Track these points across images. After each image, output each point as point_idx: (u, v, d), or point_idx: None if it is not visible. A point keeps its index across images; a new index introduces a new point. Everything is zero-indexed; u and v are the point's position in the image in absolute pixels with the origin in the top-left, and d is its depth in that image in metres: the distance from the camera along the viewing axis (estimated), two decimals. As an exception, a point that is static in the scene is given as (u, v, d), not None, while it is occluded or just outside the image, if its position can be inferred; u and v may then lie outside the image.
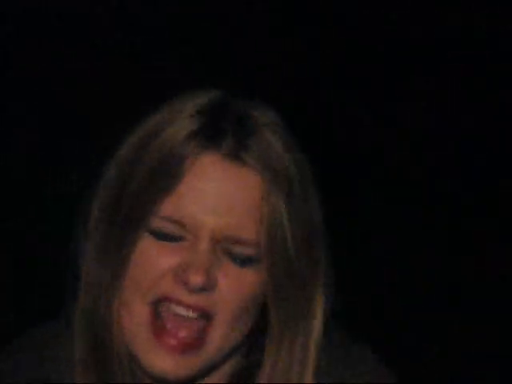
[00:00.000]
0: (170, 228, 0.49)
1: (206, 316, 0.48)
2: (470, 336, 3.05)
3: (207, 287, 0.47)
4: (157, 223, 0.49)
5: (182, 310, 0.48)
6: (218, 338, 0.49)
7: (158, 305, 0.49)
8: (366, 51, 3.15)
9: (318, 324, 0.51)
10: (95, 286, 0.50)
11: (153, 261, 0.49)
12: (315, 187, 0.52)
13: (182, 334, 0.48)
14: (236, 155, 0.48)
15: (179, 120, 0.49)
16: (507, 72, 3.18)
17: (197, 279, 0.47)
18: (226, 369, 0.53)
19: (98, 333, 0.51)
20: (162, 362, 0.48)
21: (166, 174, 0.48)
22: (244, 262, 0.49)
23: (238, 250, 0.49)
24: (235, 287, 0.49)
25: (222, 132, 0.49)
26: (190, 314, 0.48)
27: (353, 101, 3.20)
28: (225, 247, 0.49)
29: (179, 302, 0.48)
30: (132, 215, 0.49)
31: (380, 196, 3.14)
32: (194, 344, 0.48)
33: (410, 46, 3.14)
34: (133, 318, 0.49)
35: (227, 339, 0.50)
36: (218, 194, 0.48)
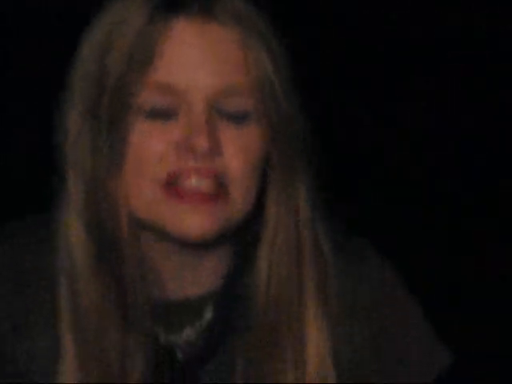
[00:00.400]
0: (161, 100, 0.48)
1: (220, 183, 0.48)
2: (470, 336, 3.05)
3: (214, 149, 0.47)
4: (144, 98, 0.48)
5: (194, 181, 0.47)
6: (237, 193, 0.48)
7: (168, 186, 0.48)
8: (365, 51, 3.15)
9: (306, 200, 0.51)
10: (89, 184, 0.49)
11: (152, 143, 0.48)
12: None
13: (203, 190, 0.48)
14: (207, 13, 0.48)
15: (134, 3, 0.48)
16: (508, 72, 3.19)
17: (203, 142, 0.46)
18: (226, 250, 0.52)
19: (101, 234, 0.49)
20: (188, 218, 0.47)
21: (144, 51, 0.47)
22: (242, 118, 0.49)
23: (233, 104, 0.49)
24: (240, 146, 0.48)
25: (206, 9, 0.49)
26: (204, 182, 0.47)
27: (352, 101, 3.21)
28: (220, 107, 0.48)
29: (190, 172, 0.47)
30: (118, 100, 0.48)
31: (380, 196, 3.14)
32: (217, 196, 0.48)
33: (411, 46, 3.14)
34: (145, 197, 0.48)
35: (243, 200, 0.49)
36: (199, 53, 0.48)
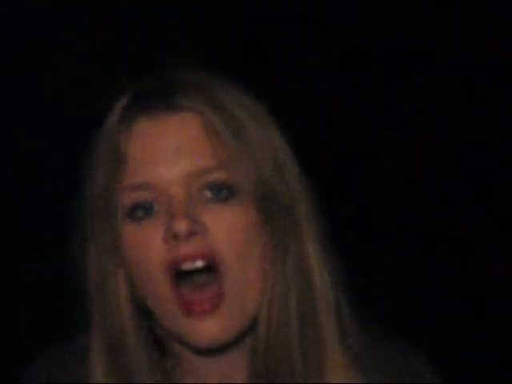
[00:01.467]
0: (137, 197, 0.49)
1: (212, 263, 0.48)
2: (470, 335, 3.06)
3: (196, 230, 0.47)
4: (126, 199, 0.49)
5: (190, 265, 0.47)
6: (234, 271, 0.48)
7: (174, 277, 0.48)
8: (364, 53, 3.16)
9: (310, 247, 0.51)
10: (102, 291, 0.51)
11: (141, 248, 0.49)
12: (270, 121, 0.52)
13: (206, 294, 0.47)
14: (166, 106, 0.49)
15: (110, 117, 0.51)
16: (507, 74, 3.19)
17: (180, 225, 0.46)
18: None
19: (114, 337, 0.51)
20: (204, 327, 0.47)
21: (114, 157, 0.49)
22: (221, 193, 0.48)
23: (206, 180, 0.48)
24: (223, 223, 0.48)
25: (146, 99, 0.50)
26: (197, 264, 0.47)
27: (352, 103, 3.21)
28: (197, 189, 0.48)
29: (182, 258, 0.47)
30: (106, 206, 0.49)
31: (377, 194, 3.15)
32: (221, 296, 0.47)
33: (409, 48, 3.15)
34: (162, 303, 0.49)
35: (244, 280, 0.48)
36: (163, 145, 0.49)
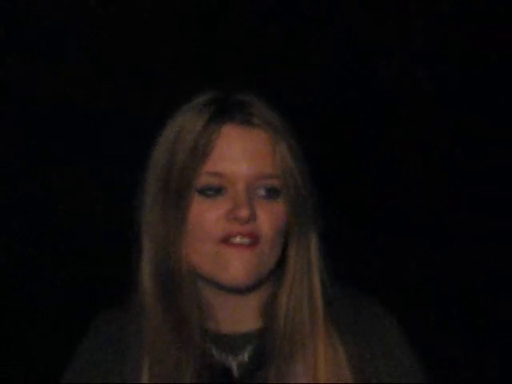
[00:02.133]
0: (212, 181, 0.68)
1: (255, 240, 0.67)
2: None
3: (252, 217, 0.67)
4: (202, 181, 0.68)
5: (239, 239, 0.67)
6: (266, 248, 0.68)
7: (220, 242, 0.67)
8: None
9: (315, 255, 0.73)
10: (160, 243, 0.69)
11: (206, 216, 0.68)
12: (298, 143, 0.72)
13: (245, 244, 0.68)
14: (247, 121, 0.69)
15: (198, 117, 0.69)
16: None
17: (244, 212, 0.66)
18: (261, 293, 0.72)
19: (167, 281, 0.69)
20: (234, 265, 0.67)
21: (203, 148, 0.67)
22: (271, 194, 0.69)
23: (265, 183, 0.69)
24: (269, 215, 0.68)
25: (230, 111, 0.69)
26: (245, 240, 0.67)
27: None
28: (255, 187, 0.68)
29: (235, 233, 0.66)
30: (183, 182, 0.68)
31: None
32: (254, 246, 0.67)
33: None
34: (203, 252, 0.68)
35: (270, 253, 0.69)
36: (241, 149, 0.68)
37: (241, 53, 3.17)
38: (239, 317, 0.73)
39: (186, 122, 0.70)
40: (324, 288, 0.73)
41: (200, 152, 0.68)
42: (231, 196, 0.69)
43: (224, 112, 0.70)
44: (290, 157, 0.71)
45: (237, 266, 0.67)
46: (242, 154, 0.69)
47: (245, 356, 0.72)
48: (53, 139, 2.68)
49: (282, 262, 0.73)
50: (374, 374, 0.73)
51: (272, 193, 0.70)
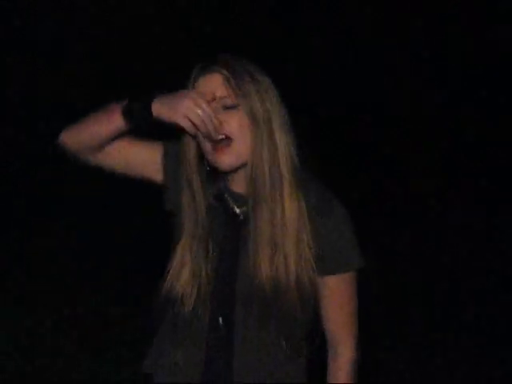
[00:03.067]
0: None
1: (228, 138, 0.99)
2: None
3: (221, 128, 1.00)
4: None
5: (219, 137, 0.99)
6: (234, 144, 0.99)
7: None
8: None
9: (278, 133, 1.01)
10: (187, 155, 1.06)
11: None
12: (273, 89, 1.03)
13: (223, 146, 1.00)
14: (214, 69, 1.01)
15: (194, 71, 1.02)
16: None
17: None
18: (245, 173, 1.03)
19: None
20: (222, 160, 0.99)
21: (192, 86, 1.02)
22: (226, 108, 1.00)
23: (221, 100, 0.99)
24: (227, 119, 0.99)
25: (207, 65, 1.02)
26: (220, 136, 0.99)
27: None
28: (221, 103, 1.00)
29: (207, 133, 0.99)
30: None
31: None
32: (227, 145, 0.99)
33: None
34: (206, 154, 1.00)
35: (238, 147, 0.99)
36: (209, 84, 1.01)
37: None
38: (239, 182, 1.07)
39: (191, 76, 1.06)
40: (293, 168, 1.02)
41: (191, 87, 1.04)
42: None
43: (203, 68, 1.04)
44: (242, 85, 1.01)
45: (222, 160, 1.02)
46: (211, 87, 1.02)
47: (243, 209, 1.06)
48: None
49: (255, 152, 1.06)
50: (322, 246, 1.01)
51: (225, 107, 1.01)
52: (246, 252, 1.02)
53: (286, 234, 1.00)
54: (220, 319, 1.03)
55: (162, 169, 1.10)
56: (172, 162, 1.08)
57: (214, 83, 1.01)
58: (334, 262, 1.01)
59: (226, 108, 0.99)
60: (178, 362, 1.06)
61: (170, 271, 1.05)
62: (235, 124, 0.99)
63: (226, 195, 1.06)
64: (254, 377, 1.02)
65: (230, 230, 1.06)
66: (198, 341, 1.04)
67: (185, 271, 1.04)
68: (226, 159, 0.99)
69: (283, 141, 1.01)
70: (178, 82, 1.04)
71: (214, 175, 1.04)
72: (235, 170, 1.02)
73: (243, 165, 1.01)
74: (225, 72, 1.00)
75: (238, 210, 1.05)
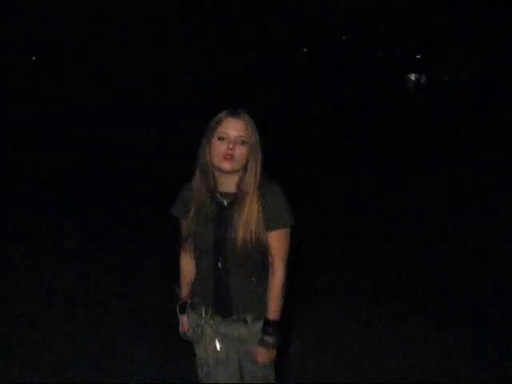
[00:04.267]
0: (222, 136, 1.77)
1: (232, 157, 1.75)
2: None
3: (233, 150, 1.76)
4: (218, 134, 1.77)
5: (228, 156, 1.75)
6: (238, 161, 1.76)
7: (221, 157, 1.77)
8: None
9: (258, 169, 1.78)
10: (202, 157, 1.81)
11: (220, 147, 1.76)
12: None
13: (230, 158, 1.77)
14: (236, 116, 1.79)
15: (220, 115, 1.81)
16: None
17: (231, 149, 1.76)
18: (236, 179, 1.79)
19: (203, 170, 1.81)
20: (226, 165, 1.76)
21: (217, 124, 1.79)
22: (242, 142, 1.76)
23: (241, 138, 1.77)
24: (239, 150, 1.76)
25: (232, 113, 1.80)
26: (229, 157, 1.75)
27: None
28: (236, 140, 1.76)
29: (227, 154, 1.76)
30: (212, 135, 1.79)
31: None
32: (233, 160, 1.75)
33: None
34: (215, 159, 1.78)
35: (240, 163, 1.76)
36: (234, 126, 1.77)
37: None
38: (227, 185, 1.81)
39: (216, 117, 1.81)
40: (261, 177, 1.78)
41: (217, 125, 1.78)
42: (227, 141, 1.77)
43: (230, 114, 1.80)
44: (251, 130, 1.78)
45: (226, 164, 1.75)
46: (232, 128, 1.78)
47: (230, 200, 1.81)
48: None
49: (246, 167, 1.79)
50: (268, 215, 1.77)
51: (242, 142, 1.77)
52: (230, 224, 1.78)
53: (251, 214, 1.76)
54: (219, 263, 1.81)
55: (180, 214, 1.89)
56: (182, 204, 1.87)
57: (239, 126, 1.77)
58: (274, 223, 1.78)
59: (242, 142, 1.77)
60: (197, 290, 1.90)
61: (188, 225, 1.83)
62: (241, 152, 1.77)
63: (216, 193, 1.82)
64: (241, 295, 1.82)
65: (219, 213, 1.81)
66: (207, 276, 1.84)
67: (194, 230, 1.82)
68: (228, 166, 1.75)
69: (259, 160, 1.79)
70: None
71: (212, 180, 1.81)
72: (231, 173, 1.78)
73: (234, 173, 1.78)
74: (244, 121, 1.78)
75: (224, 202, 1.82)
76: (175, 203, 1.88)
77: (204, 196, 1.80)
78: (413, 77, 25.33)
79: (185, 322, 1.92)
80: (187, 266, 1.94)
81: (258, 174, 1.76)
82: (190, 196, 1.82)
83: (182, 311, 1.92)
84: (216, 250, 1.80)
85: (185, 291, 1.94)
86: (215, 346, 1.88)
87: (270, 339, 1.79)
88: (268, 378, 1.91)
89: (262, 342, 1.79)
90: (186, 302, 1.93)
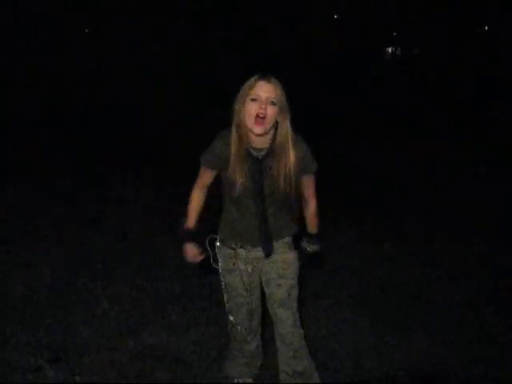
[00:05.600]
0: (254, 97, 2.03)
1: (264, 117, 2.02)
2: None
3: (265, 110, 2.03)
4: (252, 95, 2.03)
5: (259, 116, 2.03)
6: (269, 121, 2.04)
7: (255, 116, 2.04)
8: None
9: (288, 125, 2.08)
10: (237, 118, 2.06)
11: (252, 107, 2.03)
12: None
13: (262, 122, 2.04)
14: (267, 80, 2.04)
15: (252, 78, 2.06)
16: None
17: (263, 110, 2.03)
18: (268, 136, 2.10)
19: (238, 130, 2.08)
20: (258, 128, 2.05)
21: (252, 87, 2.05)
22: (273, 103, 2.03)
23: (271, 99, 2.03)
24: (271, 110, 2.03)
25: (263, 76, 2.05)
26: (261, 116, 2.02)
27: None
28: (267, 101, 2.03)
29: (259, 114, 2.02)
30: (246, 96, 2.04)
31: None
32: (264, 118, 2.03)
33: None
34: (248, 120, 2.05)
35: (270, 122, 2.05)
36: (265, 89, 2.03)
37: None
38: (261, 142, 2.10)
39: (248, 81, 2.05)
40: (291, 131, 2.08)
41: (252, 88, 2.03)
42: (260, 102, 2.02)
43: (261, 78, 2.03)
44: (280, 92, 2.03)
45: (258, 128, 2.02)
46: (264, 90, 2.02)
47: (263, 153, 2.12)
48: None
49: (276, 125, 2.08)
50: (301, 165, 2.12)
51: (272, 103, 2.01)
52: (266, 175, 2.10)
53: (289, 164, 2.07)
54: (260, 207, 2.16)
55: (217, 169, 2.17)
56: (218, 159, 2.11)
57: (269, 88, 2.01)
58: (305, 170, 2.14)
59: (273, 103, 2.02)
60: (238, 230, 2.22)
61: (229, 177, 2.11)
62: (272, 112, 2.02)
63: (250, 149, 2.09)
64: (277, 230, 2.24)
65: (256, 165, 2.11)
66: (250, 218, 2.20)
67: (238, 181, 2.10)
68: (259, 130, 2.01)
69: (289, 118, 2.06)
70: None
71: (246, 138, 2.06)
72: (263, 134, 2.04)
73: (266, 133, 2.04)
74: (274, 84, 2.03)
75: (259, 156, 2.10)
76: (207, 155, 2.14)
77: (241, 151, 2.06)
78: (390, 50, 26.83)
79: (191, 249, 2.23)
80: (200, 201, 2.24)
81: (289, 130, 2.06)
82: (227, 151, 2.07)
83: (190, 239, 2.22)
84: (257, 197, 2.14)
85: (192, 221, 2.23)
86: (249, 274, 2.27)
87: (316, 247, 2.34)
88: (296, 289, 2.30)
89: (308, 249, 2.33)
90: (190, 230, 2.23)
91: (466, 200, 5.65)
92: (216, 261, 2.30)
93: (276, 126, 2.07)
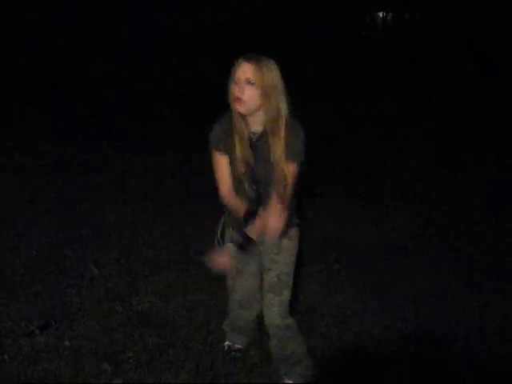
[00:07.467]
0: (235, 79, 1.97)
1: (241, 100, 1.97)
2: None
3: (242, 93, 1.96)
4: (233, 77, 1.98)
5: (238, 98, 1.98)
6: (248, 102, 1.97)
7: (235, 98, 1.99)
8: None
9: (281, 108, 2.00)
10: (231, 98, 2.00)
11: (233, 90, 1.99)
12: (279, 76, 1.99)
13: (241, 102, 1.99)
14: (250, 61, 1.95)
15: (239, 60, 1.98)
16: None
17: (241, 92, 1.97)
18: (260, 118, 2.04)
19: (233, 118, 2.04)
20: (239, 108, 1.99)
21: (235, 69, 1.98)
22: (250, 84, 1.94)
23: (248, 80, 1.95)
24: (248, 91, 1.96)
25: (247, 57, 1.97)
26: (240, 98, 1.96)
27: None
28: (246, 81, 1.95)
29: (238, 96, 1.98)
30: (231, 78, 1.99)
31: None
32: (241, 102, 1.97)
33: None
34: (233, 105, 2.01)
35: (251, 104, 1.98)
36: (243, 70, 1.95)
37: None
38: (254, 124, 2.05)
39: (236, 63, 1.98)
40: (286, 114, 1.99)
41: (235, 72, 1.96)
42: (238, 85, 1.95)
43: (244, 59, 1.95)
44: (262, 72, 1.93)
45: (238, 107, 1.97)
46: (242, 70, 1.95)
47: (257, 135, 2.06)
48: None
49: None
50: (290, 149, 2.02)
51: (250, 83, 1.93)
52: (261, 153, 2.04)
53: (278, 146, 2.00)
54: (254, 191, 2.09)
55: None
56: (220, 141, 2.05)
57: (248, 68, 1.93)
58: (289, 156, 2.01)
59: (250, 83, 1.93)
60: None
61: (231, 161, 2.07)
62: (250, 94, 1.94)
63: (249, 133, 2.04)
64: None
65: (252, 144, 2.05)
66: (248, 199, 2.11)
67: (237, 165, 2.06)
68: (240, 108, 1.96)
69: (279, 100, 1.97)
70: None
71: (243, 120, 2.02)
72: (248, 115, 2.00)
73: (253, 114, 1.99)
74: (255, 64, 1.93)
75: (253, 137, 2.06)
76: (212, 140, 2.06)
77: (241, 134, 2.01)
78: (381, 14, 26.63)
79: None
80: (240, 203, 2.12)
81: (281, 114, 1.97)
82: (224, 135, 2.03)
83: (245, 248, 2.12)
84: (251, 181, 2.07)
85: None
86: (250, 262, 2.28)
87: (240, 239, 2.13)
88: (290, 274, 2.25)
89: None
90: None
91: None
92: (219, 243, 2.30)
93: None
